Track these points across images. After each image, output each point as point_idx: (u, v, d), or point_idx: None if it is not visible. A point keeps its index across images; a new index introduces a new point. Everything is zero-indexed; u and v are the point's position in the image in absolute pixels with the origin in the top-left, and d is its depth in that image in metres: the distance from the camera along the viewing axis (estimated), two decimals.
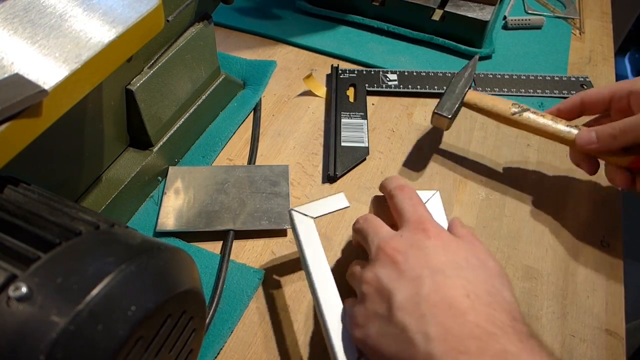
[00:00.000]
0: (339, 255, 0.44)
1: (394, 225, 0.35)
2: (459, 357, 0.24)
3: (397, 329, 0.27)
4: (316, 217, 0.37)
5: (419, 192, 0.37)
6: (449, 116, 0.46)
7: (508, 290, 0.30)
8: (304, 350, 0.38)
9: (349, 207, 0.39)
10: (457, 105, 0.47)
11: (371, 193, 0.48)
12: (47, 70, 0.28)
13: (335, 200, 0.39)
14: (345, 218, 0.46)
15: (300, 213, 0.37)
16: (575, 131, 0.43)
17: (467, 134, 0.54)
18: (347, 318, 0.32)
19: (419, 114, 0.57)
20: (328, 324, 0.32)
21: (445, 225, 0.36)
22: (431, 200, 0.38)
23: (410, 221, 0.33)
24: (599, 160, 0.44)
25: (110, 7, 0.32)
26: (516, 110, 0.45)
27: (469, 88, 0.48)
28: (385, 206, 0.38)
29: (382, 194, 0.39)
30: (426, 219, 0.33)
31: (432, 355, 0.25)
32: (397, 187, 0.37)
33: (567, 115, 0.45)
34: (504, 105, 0.45)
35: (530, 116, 0.44)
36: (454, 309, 0.27)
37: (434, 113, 0.47)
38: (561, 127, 0.43)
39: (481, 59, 0.64)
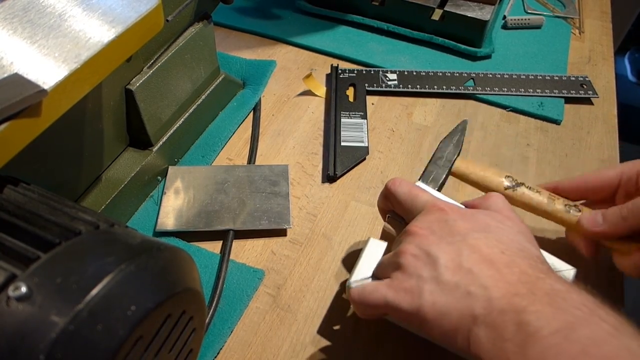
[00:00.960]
0: (338, 254, 0.44)
1: None
2: (514, 299, 0.26)
3: (449, 285, 0.28)
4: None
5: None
6: (435, 189, 0.41)
7: (533, 244, 0.32)
8: (304, 350, 0.38)
9: (386, 244, 0.38)
10: (444, 177, 0.42)
11: (371, 193, 0.48)
12: (46, 70, 0.28)
13: (374, 248, 0.37)
14: (345, 218, 0.46)
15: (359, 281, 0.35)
16: (575, 212, 0.39)
17: (467, 134, 0.54)
18: (380, 293, 0.31)
19: (419, 114, 0.57)
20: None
21: None
22: None
23: (421, 206, 0.35)
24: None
25: (110, 7, 0.32)
26: (509, 184, 0.40)
27: (458, 155, 0.44)
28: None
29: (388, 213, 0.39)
30: (434, 199, 0.35)
31: (491, 299, 0.26)
32: (390, 182, 0.38)
33: (567, 195, 0.41)
34: (496, 178, 0.41)
35: (525, 192, 0.40)
36: (496, 263, 0.28)
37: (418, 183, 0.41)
38: (559, 206, 0.39)
39: (481, 58, 0.64)
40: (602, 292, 0.41)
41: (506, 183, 0.41)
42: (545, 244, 0.44)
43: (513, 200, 0.40)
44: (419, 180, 0.42)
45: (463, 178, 0.42)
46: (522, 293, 0.26)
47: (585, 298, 0.26)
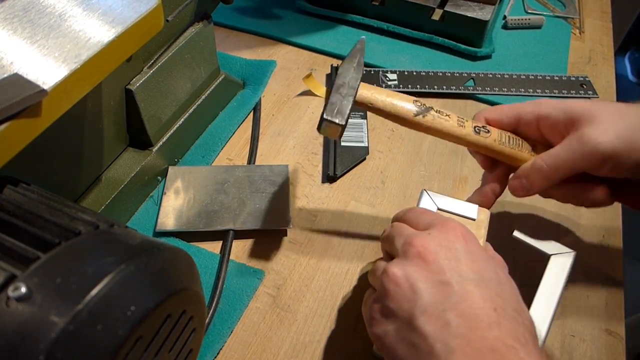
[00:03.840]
0: (338, 254, 0.44)
1: None
2: None
3: (417, 334, 0.27)
4: (439, 209, 0.37)
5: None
6: (342, 123, 0.35)
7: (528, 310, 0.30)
8: (304, 350, 0.38)
9: (474, 219, 0.37)
10: (349, 107, 0.36)
11: (371, 193, 0.48)
12: (46, 70, 0.28)
13: (466, 207, 0.37)
14: (345, 218, 0.46)
15: (429, 196, 0.37)
16: (485, 134, 0.38)
17: None
18: (364, 312, 0.31)
19: None
20: None
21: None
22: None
23: (436, 223, 0.32)
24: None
25: (110, 7, 0.32)
26: (418, 109, 0.37)
27: (360, 81, 0.38)
28: None
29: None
30: (452, 220, 0.32)
31: None
32: (403, 212, 0.36)
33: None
34: (404, 104, 0.37)
35: (435, 117, 0.37)
36: (479, 322, 0.26)
37: (322, 120, 0.35)
38: (469, 129, 0.38)
39: (481, 58, 0.64)
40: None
41: (415, 109, 0.37)
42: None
43: (423, 127, 0.38)
44: (324, 114, 0.35)
45: (369, 107, 0.38)
46: None
47: None
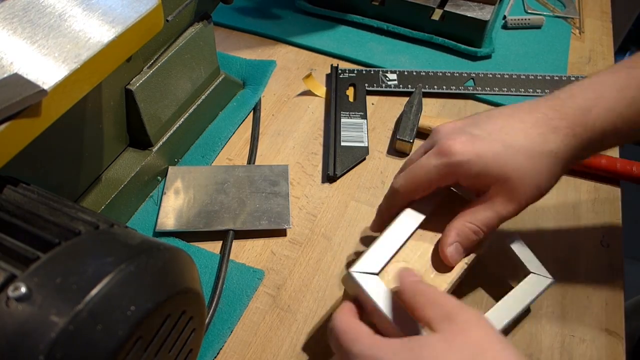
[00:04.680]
0: (338, 255, 0.44)
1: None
2: None
3: None
4: (379, 272, 0.33)
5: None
6: (411, 140, 0.49)
7: None
8: (304, 350, 0.38)
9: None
10: (415, 131, 0.50)
11: (371, 193, 0.48)
12: (46, 70, 0.28)
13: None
14: (345, 218, 0.46)
15: (363, 273, 0.33)
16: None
17: None
18: None
19: None
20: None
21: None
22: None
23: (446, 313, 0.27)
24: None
25: (110, 7, 0.32)
26: None
27: (420, 114, 0.52)
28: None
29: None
30: (463, 313, 0.27)
31: None
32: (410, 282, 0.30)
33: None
34: None
35: None
36: None
37: (397, 139, 0.51)
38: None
39: (481, 58, 0.64)
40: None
41: None
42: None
43: None
44: (397, 135, 0.41)
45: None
46: None
47: None
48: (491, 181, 0.33)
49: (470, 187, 0.35)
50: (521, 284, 0.37)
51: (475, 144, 0.33)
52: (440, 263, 0.35)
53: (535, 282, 0.37)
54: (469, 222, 0.34)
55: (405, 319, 0.30)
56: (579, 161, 0.35)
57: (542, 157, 0.33)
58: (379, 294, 0.31)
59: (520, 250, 0.39)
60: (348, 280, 0.33)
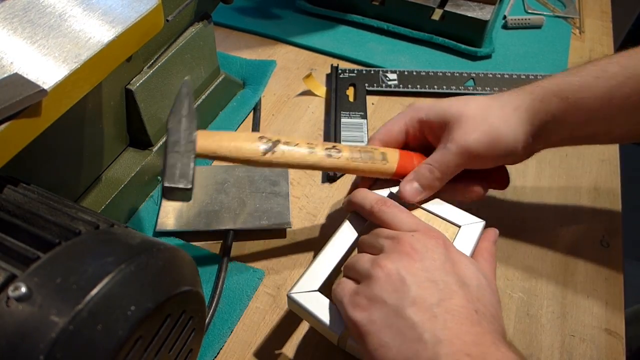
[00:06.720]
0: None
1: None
2: (464, 359, 0.26)
3: (405, 322, 0.28)
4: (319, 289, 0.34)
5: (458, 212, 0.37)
6: (189, 186, 0.30)
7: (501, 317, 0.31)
8: (304, 350, 0.38)
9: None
10: (192, 166, 0.31)
11: None
12: (46, 70, 0.28)
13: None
14: (344, 217, 0.46)
15: (303, 292, 0.34)
16: (336, 154, 0.36)
17: None
18: (340, 295, 0.31)
19: None
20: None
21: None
22: (469, 229, 0.37)
23: (420, 229, 0.33)
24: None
25: (110, 7, 0.32)
26: (266, 147, 0.34)
27: (195, 130, 0.33)
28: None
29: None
30: (433, 229, 0.33)
31: (439, 356, 0.26)
32: (379, 201, 0.35)
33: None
34: (249, 145, 0.34)
35: (285, 150, 0.35)
36: (464, 320, 0.28)
37: (164, 188, 0.30)
38: (320, 153, 0.36)
39: (481, 58, 0.64)
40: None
41: (262, 147, 0.34)
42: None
43: (275, 164, 0.35)
44: (165, 181, 0.30)
45: (213, 156, 0.33)
46: (474, 355, 0.26)
47: None
48: (449, 124, 0.37)
49: (433, 136, 0.39)
50: (456, 241, 0.36)
51: (439, 102, 0.39)
52: None
53: (470, 230, 0.37)
54: (425, 162, 0.37)
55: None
56: (549, 125, 0.37)
57: (496, 104, 0.37)
58: (322, 309, 0.33)
59: (438, 211, 0.38)
60: (290, 303, 0.34)
